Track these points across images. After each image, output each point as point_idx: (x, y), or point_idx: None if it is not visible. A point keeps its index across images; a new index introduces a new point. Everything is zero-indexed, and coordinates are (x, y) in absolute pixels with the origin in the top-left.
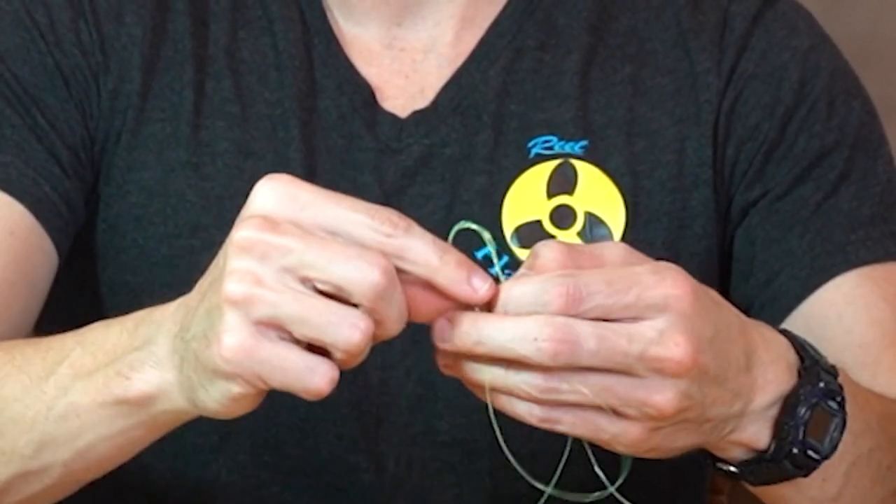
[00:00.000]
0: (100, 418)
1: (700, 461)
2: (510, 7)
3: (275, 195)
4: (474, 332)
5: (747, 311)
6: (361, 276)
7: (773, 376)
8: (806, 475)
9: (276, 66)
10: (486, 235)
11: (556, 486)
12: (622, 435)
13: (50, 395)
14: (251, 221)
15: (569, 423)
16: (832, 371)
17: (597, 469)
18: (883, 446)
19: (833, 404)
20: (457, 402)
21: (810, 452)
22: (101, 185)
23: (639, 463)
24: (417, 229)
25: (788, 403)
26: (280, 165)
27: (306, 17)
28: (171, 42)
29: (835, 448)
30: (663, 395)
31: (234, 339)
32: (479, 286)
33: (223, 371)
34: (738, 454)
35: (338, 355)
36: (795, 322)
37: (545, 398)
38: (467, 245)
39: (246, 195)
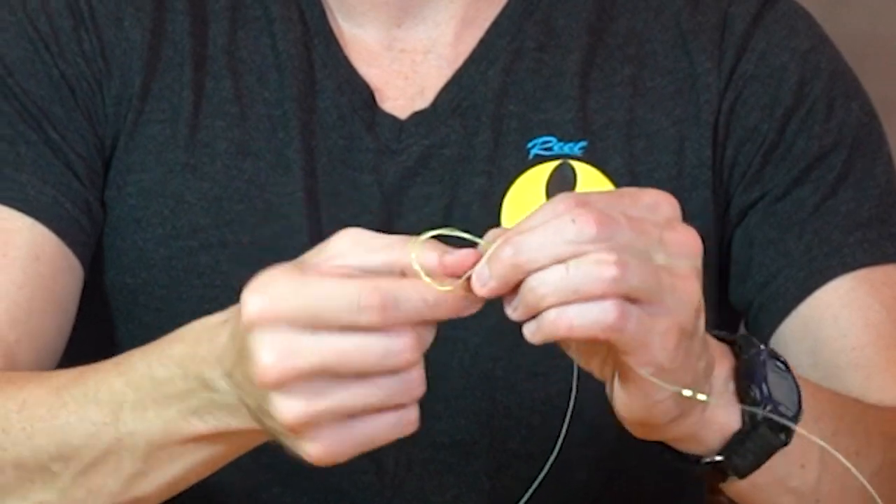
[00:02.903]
0: (186, 458)
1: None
2: (509, 8)
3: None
4: (511, 246)
5: (745, 312)
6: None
7: (720, 353)
8: (786, 442)
9: (276, 66)
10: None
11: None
12: (665, 335)
13: (126, 439)
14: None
15: (637, 323)
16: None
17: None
18: (843, 431)
19: (780, 364)
20: (456, 402)
21: (781, 408)
22: (103, 189)
23: (638, 462)
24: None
25: (742, 372)
26: (279, 166)
27: (306, 17)
28: (171, 42)
29: (799, 408)
30: (689, 277)
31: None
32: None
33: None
34: (717, 441)
35: None
36: (792, 323)
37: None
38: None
39: (245, 196)
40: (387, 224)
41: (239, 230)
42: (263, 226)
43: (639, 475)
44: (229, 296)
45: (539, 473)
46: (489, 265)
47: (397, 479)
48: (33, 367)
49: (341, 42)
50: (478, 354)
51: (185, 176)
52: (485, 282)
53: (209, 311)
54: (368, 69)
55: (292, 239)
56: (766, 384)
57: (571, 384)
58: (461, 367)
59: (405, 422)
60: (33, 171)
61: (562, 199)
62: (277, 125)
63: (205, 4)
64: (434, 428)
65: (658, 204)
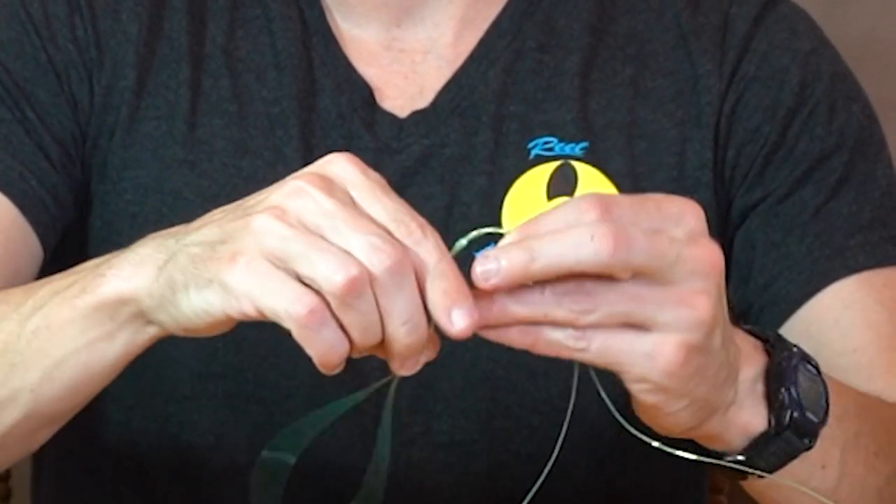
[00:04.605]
0: (70, 329)
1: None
2: (510, 8)
3: (347, 167)
4: (526, 251)
5: (746, 313)
6: (328, 273)
7: (750, 350)
8: (810, 446)
9: (275, 65)
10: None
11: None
12: (655, 354)
13: (25, 314)
14: (311, 178)
15: (601, 344)
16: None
17: (604, 398)
18: (865, 432)
19: (812, 368)
20: (455, 403)
21: (808, 415)
22: (96, 183)
23: (638, 463)
24: (431, 241)
25: (772, 373)
26: (278, 164)
27: (305, 16)
28: (167, 40)
29: (826, 412)
30: (700, 295)
31: (245, 260)
32: (457, 321)
33: (222, 283)
34: (740, 441)
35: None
36: (794, 326)
37: (582, 319)
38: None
39: (243, 193)
40: None
41: None
42: None
43: (639, 476)
44: None
45: (538, 473)
46: (499, 264)
47: (396, 479)
48: None
49: (340, 41)
50: (478, 355)
51: (182, 172)
52: (489, 278)
53: None
54: (367, 68)
55: None
56: (796, 388)
57: (571, 385)
58: (461, 367)
59: (303, 303)
60: (3, 146)
61: (587, 204)
62: (276, 123)
63: (204, 3)
64: (433, 428)
65: (683, 214)
